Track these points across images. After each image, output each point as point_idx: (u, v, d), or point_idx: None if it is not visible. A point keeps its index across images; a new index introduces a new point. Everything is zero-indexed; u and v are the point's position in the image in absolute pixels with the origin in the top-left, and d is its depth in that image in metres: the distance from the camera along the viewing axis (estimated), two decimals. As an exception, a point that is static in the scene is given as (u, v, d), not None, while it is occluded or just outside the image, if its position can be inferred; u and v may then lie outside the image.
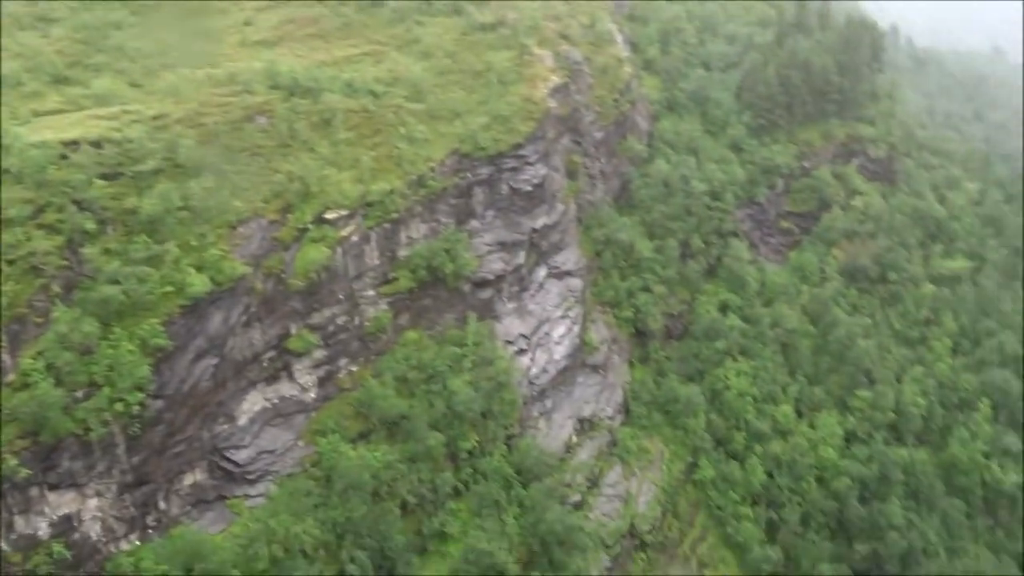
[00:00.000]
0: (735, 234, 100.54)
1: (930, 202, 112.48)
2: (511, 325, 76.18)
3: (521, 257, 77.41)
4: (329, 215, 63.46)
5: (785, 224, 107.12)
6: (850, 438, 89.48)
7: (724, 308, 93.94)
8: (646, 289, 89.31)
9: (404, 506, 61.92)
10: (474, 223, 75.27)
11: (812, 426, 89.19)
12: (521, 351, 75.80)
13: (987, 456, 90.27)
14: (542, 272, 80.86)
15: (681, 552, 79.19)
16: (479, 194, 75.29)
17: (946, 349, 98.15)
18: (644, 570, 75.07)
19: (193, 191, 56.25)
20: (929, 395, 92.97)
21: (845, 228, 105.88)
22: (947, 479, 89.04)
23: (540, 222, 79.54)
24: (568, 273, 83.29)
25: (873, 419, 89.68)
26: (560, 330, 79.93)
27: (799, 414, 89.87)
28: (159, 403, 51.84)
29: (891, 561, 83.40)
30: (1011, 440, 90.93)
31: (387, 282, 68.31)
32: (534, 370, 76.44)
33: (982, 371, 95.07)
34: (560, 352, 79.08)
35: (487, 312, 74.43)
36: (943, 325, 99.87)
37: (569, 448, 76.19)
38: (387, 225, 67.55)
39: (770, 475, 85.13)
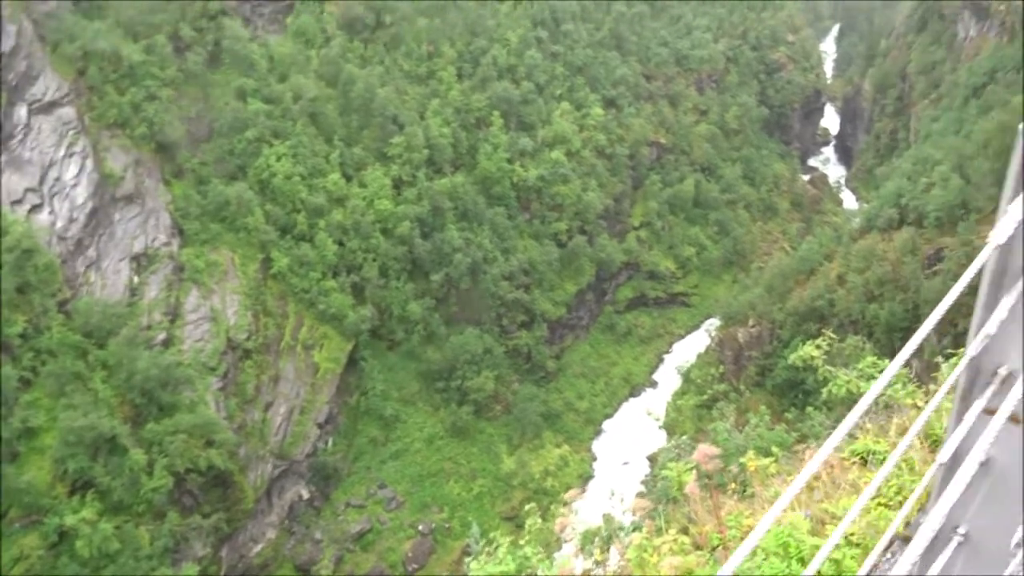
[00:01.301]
0: (224, 13, 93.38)
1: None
2: (11, 182, 64.92)
3: (-12, 100, 64.52)
4: None
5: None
6: (398, 184, 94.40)
7: (242, 95, 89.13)
8: (152, 97, 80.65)
9: (-33, 424, 53.31)
10: (-93, 75, 60.22)
11: (362, 184, 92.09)
12: (35, 207, 65.55)
13: (510, 161, 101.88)
14: (22, 111, 68.64)
15: (285, 344, 80.00)
16: (-103, 37, 59.70)
17: (452, 76, 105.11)
18: (257, 373, 74.95)
19: None
20: (451, 123, 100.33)
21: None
22: (486, 192, 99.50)
23: (-5, 53, 66.10)
24: (54, 104, 71.73)
25: (412, 160, 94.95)
26: (72, 170, 70.00)
27: (347, 178, 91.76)
28: None
29: (462, 279, 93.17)
30: (524, 141, 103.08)
31: None
32: (59, 223, 67.02)
33: (486, 87, 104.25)
34: (82, 195, 69.78)
35: (-27, 176, 62.13)
36: (444, 55, 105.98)
37: (134, 290, 70.12)
38: None
39: (340, 243, 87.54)
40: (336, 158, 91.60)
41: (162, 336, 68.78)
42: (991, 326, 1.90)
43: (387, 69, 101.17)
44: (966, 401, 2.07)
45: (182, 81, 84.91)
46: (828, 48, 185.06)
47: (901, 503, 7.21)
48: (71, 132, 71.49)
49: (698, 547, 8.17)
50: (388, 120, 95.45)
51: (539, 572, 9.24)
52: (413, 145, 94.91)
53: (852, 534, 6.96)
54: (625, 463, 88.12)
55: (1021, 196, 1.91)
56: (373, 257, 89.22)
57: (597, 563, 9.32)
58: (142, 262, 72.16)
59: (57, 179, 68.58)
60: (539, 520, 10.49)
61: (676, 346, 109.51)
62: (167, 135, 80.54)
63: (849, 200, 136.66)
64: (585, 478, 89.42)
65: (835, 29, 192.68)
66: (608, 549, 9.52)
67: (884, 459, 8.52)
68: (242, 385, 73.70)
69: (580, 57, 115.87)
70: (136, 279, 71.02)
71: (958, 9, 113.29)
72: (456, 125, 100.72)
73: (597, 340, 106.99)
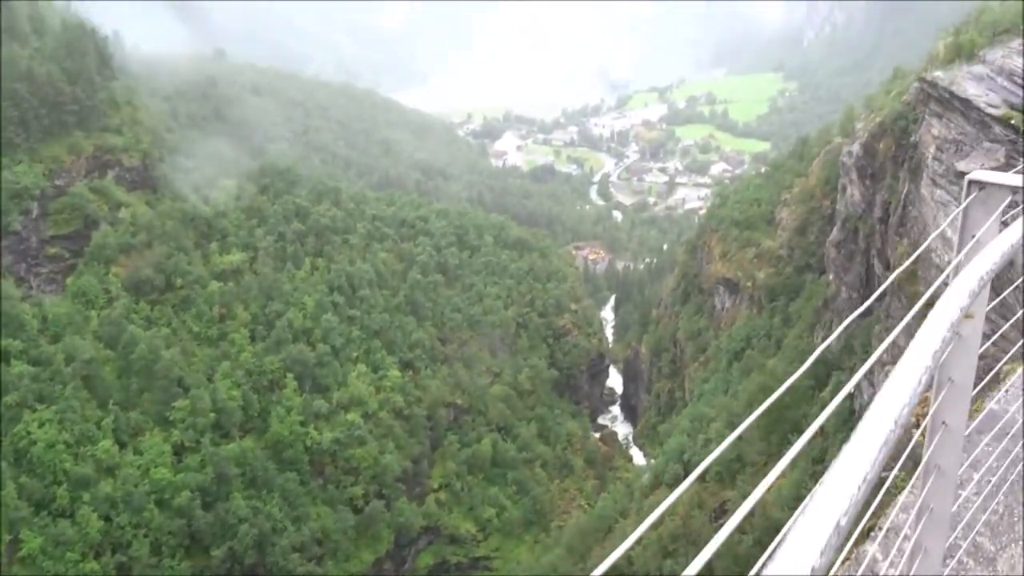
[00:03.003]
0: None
1: (195, 203, 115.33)
2: None
3: None
4: None
5: (52, 250, 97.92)
6: (179, 450, 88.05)
7: (6, 357, 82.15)
8: None
9: None
10: None
11: (138, 452, 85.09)
12: None
13: (303, 424, 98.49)
14: None
15: (26, 643, 68.20)
16: None
17: (244, 339, 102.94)
18: None
19: None
20: (241, 385, 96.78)
21: (119, 243, 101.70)
22: (277, 457, 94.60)
23: None
24: None
25: (196, 425, 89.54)
26: None
27: (121, 445, 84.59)
28: None
29: (248, 552, 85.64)
30: (319, 403, 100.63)
31: None
32: None
33: (281, 350, 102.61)
34: None
35: None
36: (237, 317, 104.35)
37: None
38: None
39: (107, 519, 78.69)
40: (109, 423, 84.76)
41: None
42: None
43: (174, 330, 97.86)
44: None
45: (-65, 341, 77.50)
46: (607, 316, 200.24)
47: None
48: None
49: None
50: (172, 383, 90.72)
51: None
52: (198, 409, 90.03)
53: None
54: None
55: None
56: (145, 533, 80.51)
57: None
58: None
59: None
60: None
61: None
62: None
63: (638, 456, 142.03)
64: None
65: (612, 299, 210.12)
66: None
67: None
68: None
69: (377, 321, 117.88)
70: None
71: (714, 284, 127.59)
72: (247, 387, 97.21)
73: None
